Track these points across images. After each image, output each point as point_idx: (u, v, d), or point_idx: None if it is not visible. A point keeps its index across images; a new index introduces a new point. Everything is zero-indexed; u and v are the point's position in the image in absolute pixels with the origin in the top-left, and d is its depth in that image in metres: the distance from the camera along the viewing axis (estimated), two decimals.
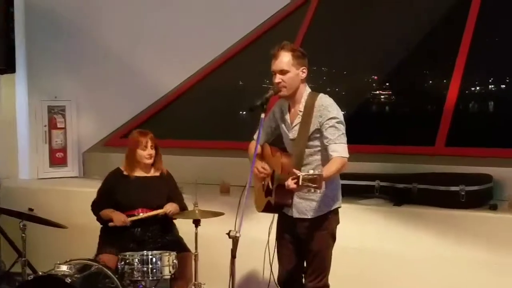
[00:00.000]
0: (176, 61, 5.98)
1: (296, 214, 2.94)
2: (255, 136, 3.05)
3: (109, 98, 6.10)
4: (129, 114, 6.26)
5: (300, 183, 2.47)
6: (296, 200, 2.91)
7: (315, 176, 2.46)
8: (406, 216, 4.05)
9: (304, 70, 2.87)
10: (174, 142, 5.74)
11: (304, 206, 2.92)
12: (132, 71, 6.10)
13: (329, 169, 2.67)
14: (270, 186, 2.93)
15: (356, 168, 4.53)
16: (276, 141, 3.15)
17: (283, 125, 2.96)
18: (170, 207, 3.59)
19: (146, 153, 3.64)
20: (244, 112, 6.03)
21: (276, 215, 3.08)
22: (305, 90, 2.89)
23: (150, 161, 3.66)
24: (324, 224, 2.94)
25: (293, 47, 2.86)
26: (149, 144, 3.65)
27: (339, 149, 2.76)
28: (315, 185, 2.45)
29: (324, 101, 2.86)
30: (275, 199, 2.87)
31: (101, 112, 6.16)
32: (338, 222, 3.01)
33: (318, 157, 2.87)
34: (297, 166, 2.79)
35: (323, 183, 2.74)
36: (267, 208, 2.98)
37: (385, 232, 4.02)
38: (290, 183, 2.53)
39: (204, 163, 5.35)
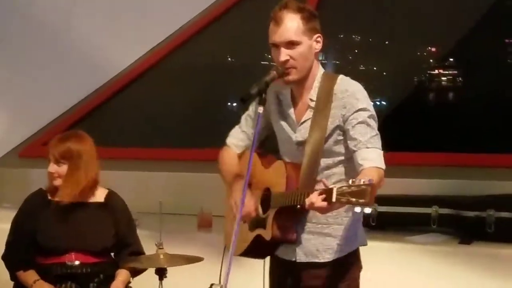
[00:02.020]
0: (124, 34, 6.02)
1: (302, 257, 2.90)
2: (230, 140, 3.10)
3: (24, 90, 6.15)
4: (56, 111, 6.30)
5: (334, 200, 2.47)
6: (303, 235, 2.91)
7: (362, 187, 2.42)
8: (479, 259, 4.08)
9: (318, 39, 2.86)
10: (123, 152, 5.81)
11: (315, 244, 2.89)
12: (61, 48, 6.14)
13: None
14: (260, 214, 2.93)
15: (403, 188, 4.59)
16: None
17: (282, 122, 2.94)
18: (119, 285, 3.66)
19: (49, 170, 3.67)
20: (234, 105, 6.05)
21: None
22: (318, 70, 2.90)
23: (55, 181, 3.68)
24: (344, 271, 2.91)
25: (300, 6, 2.84)
26: (54, 154, 3.65)
27: (374, 156, 2.71)
28: (363, 200, 2.41)
29: (349, 85, 2.85)
30: (273, 232, 2.83)
31: (13, 108, 6.21)
32: (360, 268, 3.01)
33: (340, 169, 2.87)
34: (308, 182, 2.79)
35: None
36: (253, 249, 2.98)
37: (447, 282, 4.05)
38: (316, 200, 2.51)
39: (172, 183, 5.40)
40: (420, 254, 4.19)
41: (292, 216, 2.84)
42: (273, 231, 2.84)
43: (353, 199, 2.42)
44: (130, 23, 6.01)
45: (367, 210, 2.56)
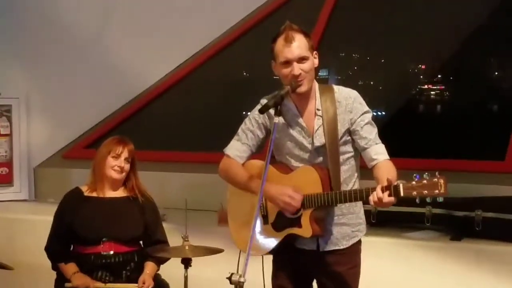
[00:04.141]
0: (157, 49, 5.99)
1: (324, 246, 2.92)
2: (233, 152, 3.01)
3: (69, 96, 6.11)
4: (96, 117, 6.28)
5: (403, 194, 2.52)
6: (327, 227, 2.93)
7: (434, 180, 2.48)
8: (468, 254, 4.03)
9: (316, 56, 2.89)
10: (154, 154, 5.74)
11: (335, 234, 2.93)
12: (100, 61, 6.11)
13: (395, 175, 2.68)
14: (287, 214, 2.88)
15: None
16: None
17: (291, 131, 2.92)
18: (148, 280, 3.58)
19: (116, 163, 3.63)
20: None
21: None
22: (315, 83, 2.94)
23: (118, 176, 3.65)
24: (356, 256, 2.98)
25: (300, 27, 2.88)
26: (125, 155, 3.65)
27: (383, 150, 2.83)
28: (438, 191, 2.49)
29: (349, 93, 2.92)
30: (314, 229, 2.83)
31: (58, 114, 6.17)
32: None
33: (347, 166, 2.90)
34: (336, 179, 2.83)
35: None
36: (281, 246, 2.94)
37: (439, 274, 4.00)
38: (384, 196, 2.55)
39: (196, 182, 5.34)
40: (415, 248, 4.15)
41: (325, 213, 2.85)
42: (313, 228, 2.84)
43: (425, 191, 2.51)
44: (160, 40, 5.99)
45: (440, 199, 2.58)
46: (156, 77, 6.24)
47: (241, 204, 3.07)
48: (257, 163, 3.01)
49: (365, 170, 2.88)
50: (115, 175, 3.65)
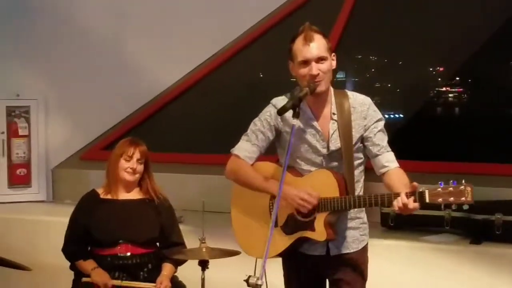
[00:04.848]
0: (174, 51, 6.00)
1: (334, 251, 2.91)
2: (242, 153, 2.95)
3: (86, 98, 6.14)
4: (113, 119, 6.30)
5: (428, 200, 2.54)
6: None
7: (460, 188, 2.51)
8: (488, 258, 4.01)
9: (334, 58, 2.90)
10: (171, 156, 5.75)
11: (345, 237, 2.93)
12: (117, 63, 6.14)
13: (407, 182, 2.69)
14: (299, 217, 2.87)
15: None
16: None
17: (305, 134, 2.90)
18: (165, 281, 3.58)
19: (128, 165, 3.63)
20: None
21: None
22: (330, 87, 2.92)
23: (131, 177, 3.65)
24: (364, 254, 2.98)
25: (319, 29, 2.88)
26: (137, 156, 3.65)
27: (393, 158, 2.85)
28: (464, 199, 2.52)
29: (364, 99, 2.92)
30: (328, 233, 2.82)
31: (76, 115, 6.20)
32: None
33: (359, 171, 2.91)
34: (351, 184, 2.83)
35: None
36: (289, 250, 2.92)
37: (458, 278, 3.97)
38: (409, 202, 2.55)
39: (213, 184, 5.30)
40: (434, 252, 4.12)
41: (337, 218, 2.84)
42: (327, 232, 2.83)
43: (451, 199, 2.55)
44: (177, 42, 6.01)
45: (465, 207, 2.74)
46: (173, 79, 6.25)
47: (246, 206, 3.05)
48: (265, 165, 2.98)
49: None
50: (128, 176, 3.66)
